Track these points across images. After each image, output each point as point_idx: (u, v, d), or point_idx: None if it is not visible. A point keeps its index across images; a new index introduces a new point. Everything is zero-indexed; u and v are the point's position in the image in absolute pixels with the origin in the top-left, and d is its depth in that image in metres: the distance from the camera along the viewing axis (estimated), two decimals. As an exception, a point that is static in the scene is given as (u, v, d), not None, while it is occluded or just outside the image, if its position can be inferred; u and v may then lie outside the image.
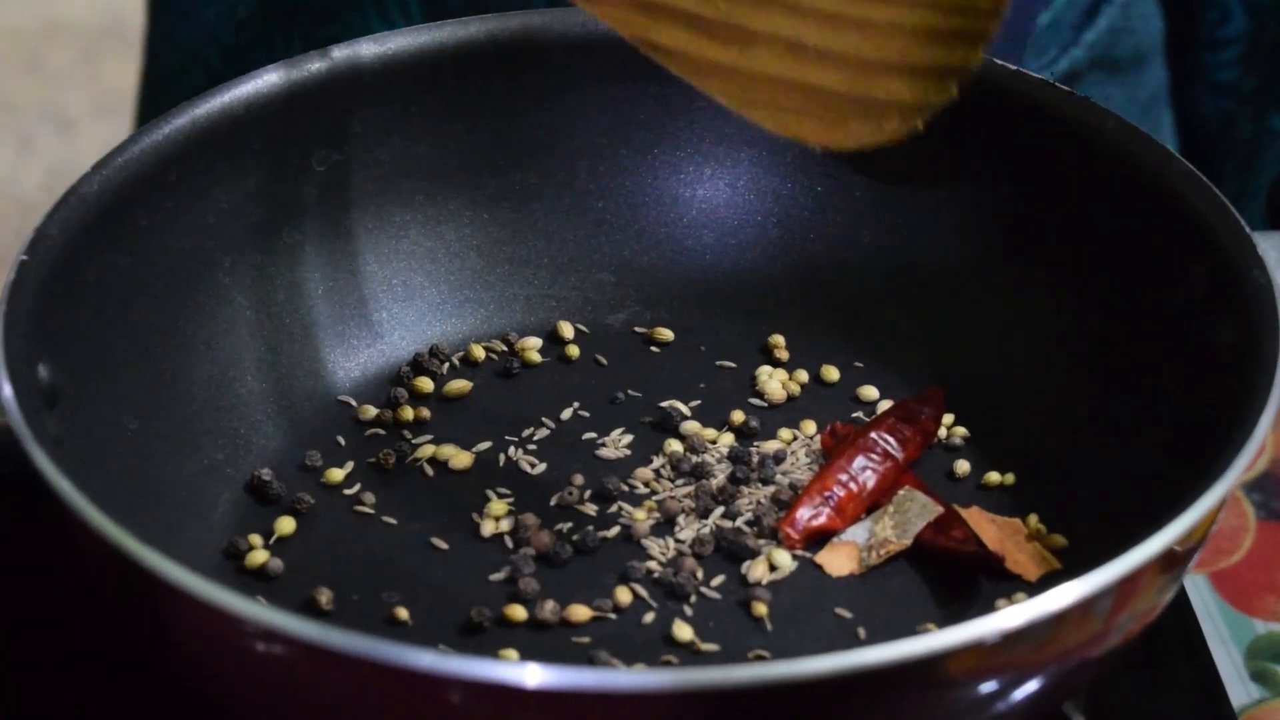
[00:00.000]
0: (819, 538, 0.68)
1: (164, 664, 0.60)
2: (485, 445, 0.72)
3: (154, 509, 0.66)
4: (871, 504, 0.69)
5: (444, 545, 0.68)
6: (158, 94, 1.04)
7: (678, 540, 0.68)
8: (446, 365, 0.76)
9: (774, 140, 0.77)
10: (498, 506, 0.69)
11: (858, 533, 0.68)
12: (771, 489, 0.70)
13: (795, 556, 0.68)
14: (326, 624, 0.53)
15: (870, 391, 0.75)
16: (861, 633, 0.65)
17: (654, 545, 0.68)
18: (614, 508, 0.70)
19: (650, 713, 0.52)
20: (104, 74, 2.11)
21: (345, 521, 0.69)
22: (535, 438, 0.73)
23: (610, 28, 0.66)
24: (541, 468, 0.71)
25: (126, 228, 0.68)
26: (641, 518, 0.69)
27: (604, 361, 0.76)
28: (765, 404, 0.74)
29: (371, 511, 0.70)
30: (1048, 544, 0.68)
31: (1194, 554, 0.60)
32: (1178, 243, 0.68)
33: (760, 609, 0.66)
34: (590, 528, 0.68)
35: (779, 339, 0.76)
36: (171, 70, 1.03)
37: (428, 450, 0.72)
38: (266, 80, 0.72)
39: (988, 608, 0.66)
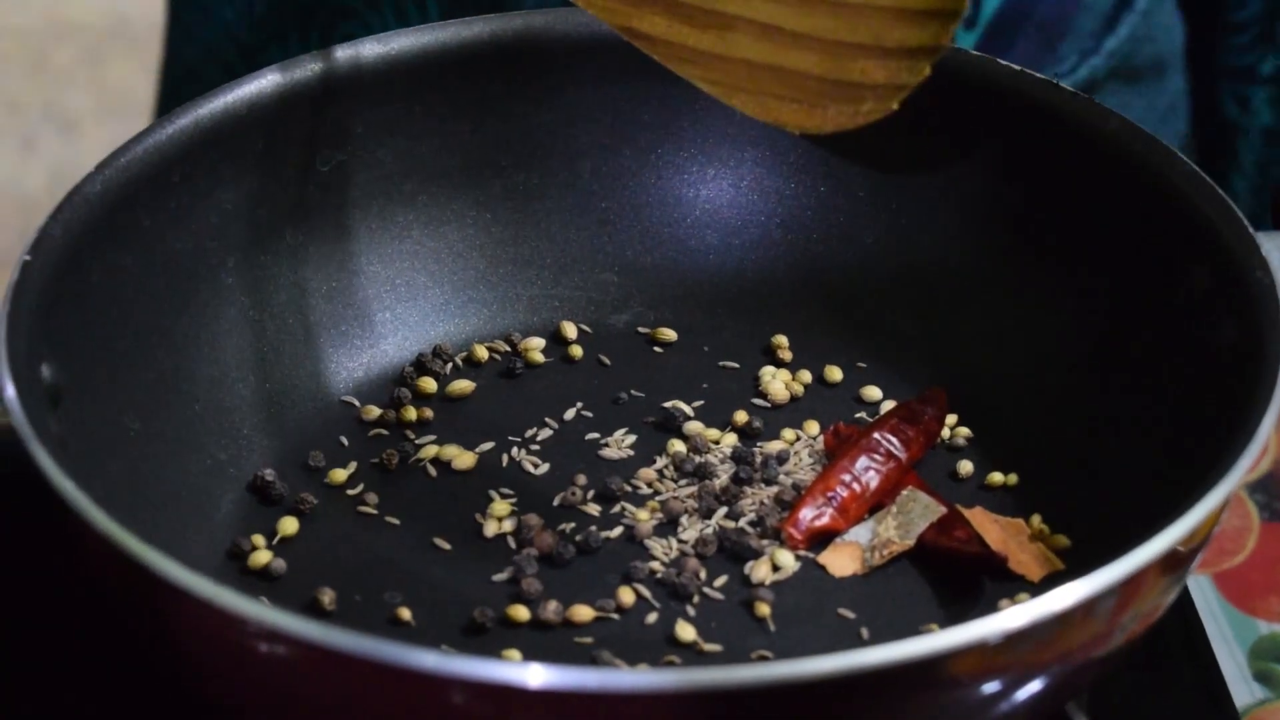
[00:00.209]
0: (822, 538, 0.68)
1: (167, 664, 0.60)
2: (488, 445, 0.72)
3: (157, 509, 0.66)
4: (874, 504, 0.69)
5: (447, 545, 0.68)
6: (176, 92, 1.05)
7: (681, 540, 0.68)
8: (449, 365, 0.76)
9: (777, 140, 0.78)
10: (500, 507, 0.69)
11: (861, 533, 0.68)
12: (774, 489, 0.70)
13: (798, 557, 0.68)
14: (329, 624, 0.53)
15: (873, 392, 0.75)
16: (864, 633, 0.65)
17: (657, 545, 0.68)
18: (617, 508, 0.70)
19: (653, 713, 0.52)
20: (108, 75, 2.11)
21: (348, 522, 0.69)
22: (538, 438, 0.73)
23: (606, 23, 0.67)
24: (544, 468, 0.71)
25: (129, 228, 0.68)
26: (644, 518, 0.69)
27: (607, 362, 0.76)
28: (768, 404, 0.74)
29: (374, 512, 0.70)
30: (1051, 544, 0.68)
31: (1197, 554, 0.60)
32: (1181, 243, 0.68)
33: (763, 609, 0.66)
34: (593, 528, 0.68)
35: (782, 339, 0.76)
36: (189, 68, 1.03)
37: (431, 450, 0.72)
38: (269, 80, 0.72)
39: (991, 608, 0.66)
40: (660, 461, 0.72)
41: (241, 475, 0.71)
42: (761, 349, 0.77)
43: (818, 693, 0.52)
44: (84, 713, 0.68)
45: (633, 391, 0.75)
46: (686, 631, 0.65)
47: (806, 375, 0.75)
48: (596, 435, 0.73)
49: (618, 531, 0.69)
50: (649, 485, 0.71)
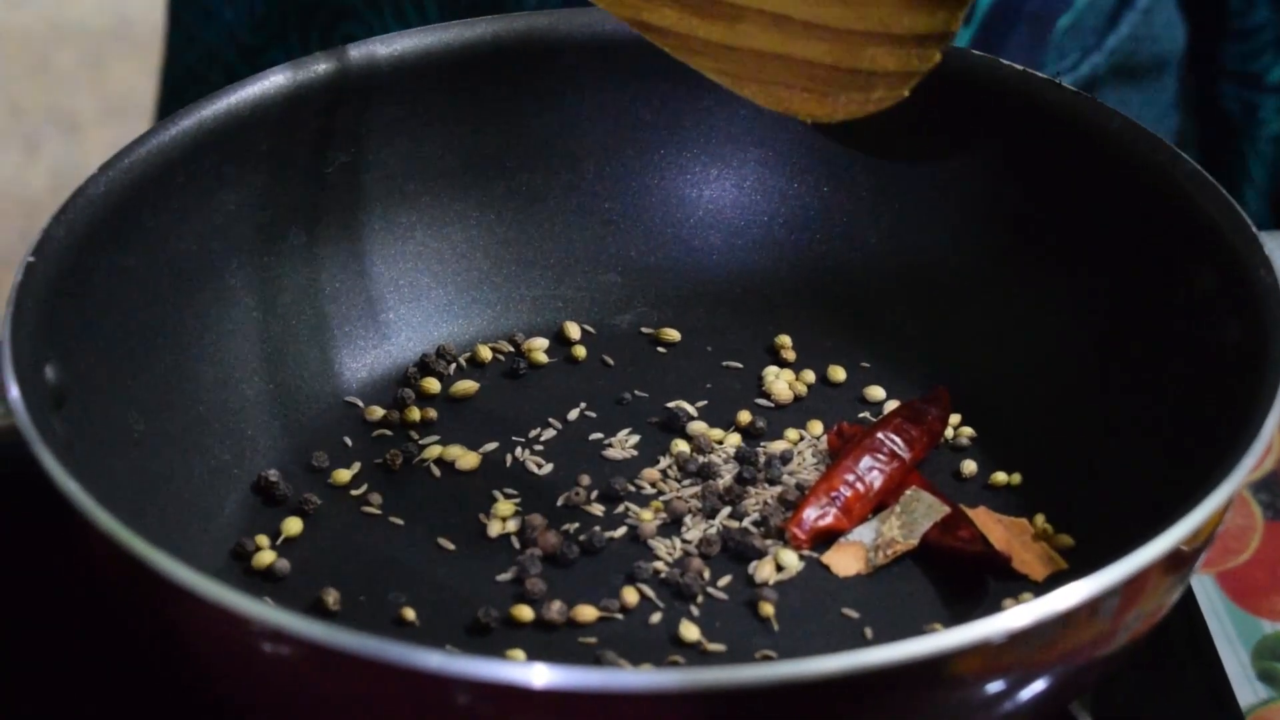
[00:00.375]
0: (826, 538, 0.68)
1: (171, 664, 0.60)
2: (492, 446, 0.72)
3: (161, 510, 0.66)
4: (878, 504, 0.69)
5: (451, 546, 0.68)
6: (177, 93, 1.05)
7: (684, 540, 0.68)
8: (453, 366, 0.76)
9: (780, 140, 0.78)
10: (504, 507, 0.69)
11: (864, 533, 0.68)
12: (778, 489, 0.70)
13: (802, 557, 0.68)
14: (333, 625, 0.53)
15: (877, 391, 0.75)
16: (868, 633, 0.65)
17: (661, 545, 0.68)
18: (621, 508, 0.70)
19: (657, 713, 0.52)
20: (111, 76, 2.11)
21: (352, 522, 0.69)
22: (542, 438, 0.73)
23: (615, 19, 0.67)
24: (548, 468, 0.71)
25: (133, 229, 0.68)
26: (648, 518, 0.69)
27: (611, 362, 0.76)
28: (772, 404, 0.74)
29: (378, 512, 0.70)
30: (1054, 544, 0.68)
31: (1201, 554, 0.60)
32: (1184, 242, 0.68)
33: (767, 609, 0.66)
34: (597, 528, 0.68)
35: (785, 339, 0.76)
36: (190, 70, 1.03)
37: (434, 451, 0.72)
38: (273, 82, 0.72)
39: (994, 608, 0.66)
40: (664, 461, 0.72)
41: (245, 476, 0.71)
42: (765, 349, 0.77)
43: (822, 693, 0.52)
44: (84, 713, 0.68)
45: (636, 392, 0.75)
46: (690, 631, 0.65)
47: (810, 375, 0.75)
48: (600, 435, 0.73)
49: (621, 532, 0.69)
50: (653, 485, 0.71)
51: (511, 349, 0.76)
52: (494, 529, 0.69)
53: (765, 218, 0.78)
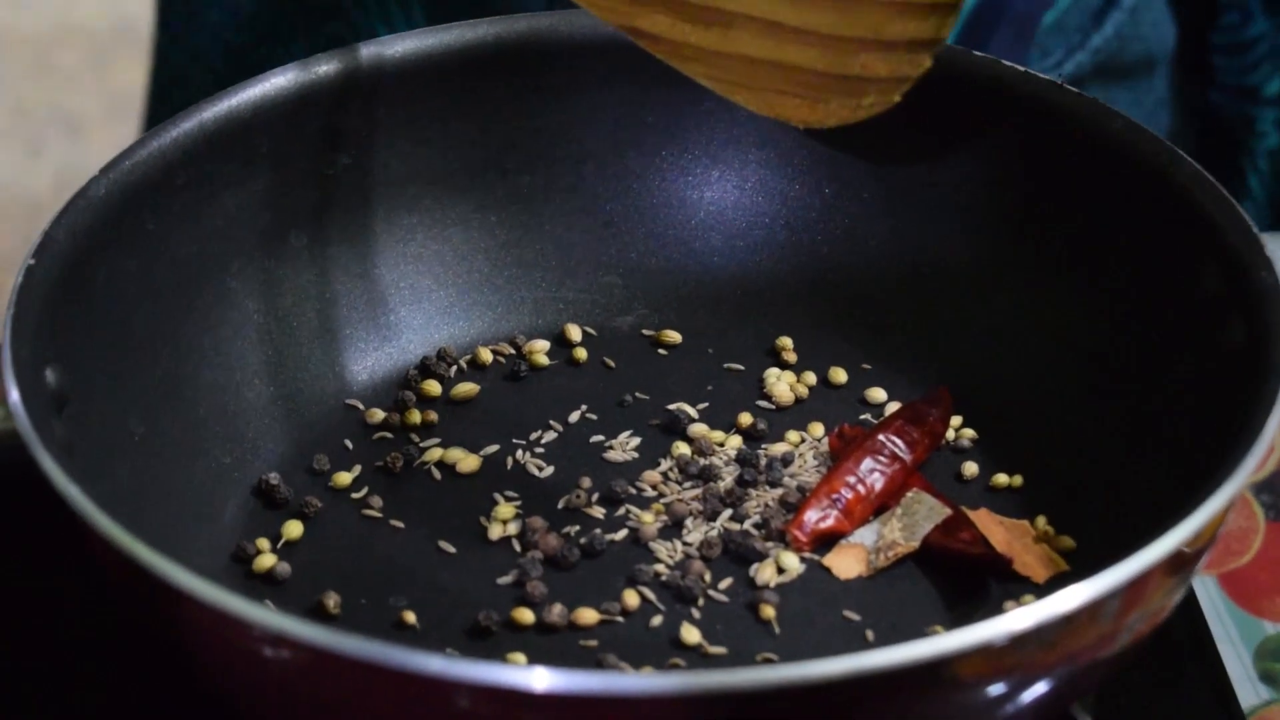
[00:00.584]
0: (827, 540, 0.68)
1: (171, 668, 0.60)
2: (493, 448, 0.72)
3: (161, 513, 0.66)
4: (879, 506, 0.69)
5: (451, 549, 0.68)
6: (165, 96, 1.05)
7: (685, 543, 0.68)
8: (454, 368, 0.76)
9: (781, 142, 0.78)
10: (505, 510, 0.69)
11: (865, 535, 0.68)
12: (779, 491, 0.70)
13: (803, 559, 0.68)
14: (334, 628, 0.53)
15: (878, 393, 0.74)
16: (870, 635, 0.65)
17: (662, 548, 0.68)
18: (621, 510, 0.70)
19: (658, 716, 0.52)
20: (113, 77, 2.11)
21: (353, 525, 0.69)
22: (543, 441, 0.73)
23: (608, 23, 0.67)
24: (549, 471, 0.71)
25: (134, 231, 0.68)
26: (649, 520, 0.69)
27: (611, 364, 0.76)
28: (773, 406, 0.74)
29: (379, 515, 0.70)
30: (1056, 546, 0.68)
31: (1202, 555, 0.60)
32: (1186, 244, 0.68)
33: (768, 611, 0.66)
34: (598, 531, 0.68)
35: (787, 341, 0.76)
36: (177, 72, 1.03)
37: (435, 453, 0.72)
38: (274, 84, 0.72)
39: (996, 610, 0.66)
40: (665, 464, 0.71)
41: (246, 479, 0.71)
42: (766, 351, 0.77)
43: (823, 695, 0.52)
44: (84, 714, 0.68)
45: (637, 394, 0.75)
46: (691, 634, 0.65)
47: (811, 377, 0.75)
48: (601, 438, 0.73)
49: (622, 534, 0.69)
50: (653, 488, 0.70)
51: (512, 351, 0.76)
52: (495, 532, 0.69)
53: (766, 219, 0.78)
